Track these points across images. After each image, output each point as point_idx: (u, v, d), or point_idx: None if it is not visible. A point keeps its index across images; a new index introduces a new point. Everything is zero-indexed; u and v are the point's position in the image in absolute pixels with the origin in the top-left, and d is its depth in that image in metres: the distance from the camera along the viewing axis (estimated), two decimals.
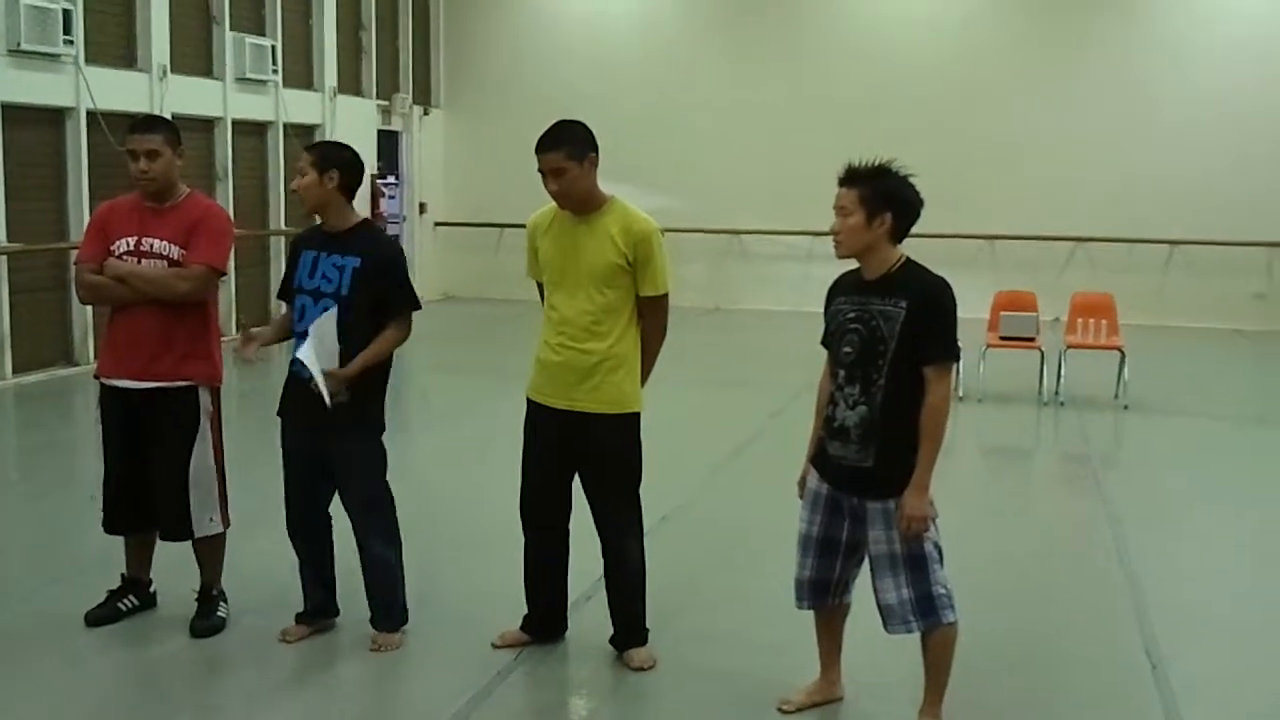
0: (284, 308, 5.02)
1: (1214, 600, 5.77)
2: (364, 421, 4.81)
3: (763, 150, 16.41)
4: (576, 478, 4.81)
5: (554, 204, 4.73)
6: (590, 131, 4.65)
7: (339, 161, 4.80)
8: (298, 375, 4.79)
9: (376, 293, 4.73)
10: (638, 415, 4.74)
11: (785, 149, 16.16)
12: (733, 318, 16.18)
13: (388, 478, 4.93)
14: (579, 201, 4.63)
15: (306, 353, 4.64)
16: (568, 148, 4.56)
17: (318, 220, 4.94)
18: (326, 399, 4.62)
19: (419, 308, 4.90)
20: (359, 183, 4.89)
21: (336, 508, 4.97)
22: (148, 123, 5.10)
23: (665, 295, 4.69)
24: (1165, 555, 6.48)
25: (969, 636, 4.23)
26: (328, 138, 14.70)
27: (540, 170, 4.59)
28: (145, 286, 4.84)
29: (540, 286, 4.87)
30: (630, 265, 4.60)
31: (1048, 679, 4.81)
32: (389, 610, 4.94)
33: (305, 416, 4.79)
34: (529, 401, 4.81)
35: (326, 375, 4.64)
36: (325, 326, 4.67)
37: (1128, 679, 4.83)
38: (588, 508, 4.79)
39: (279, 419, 4.94)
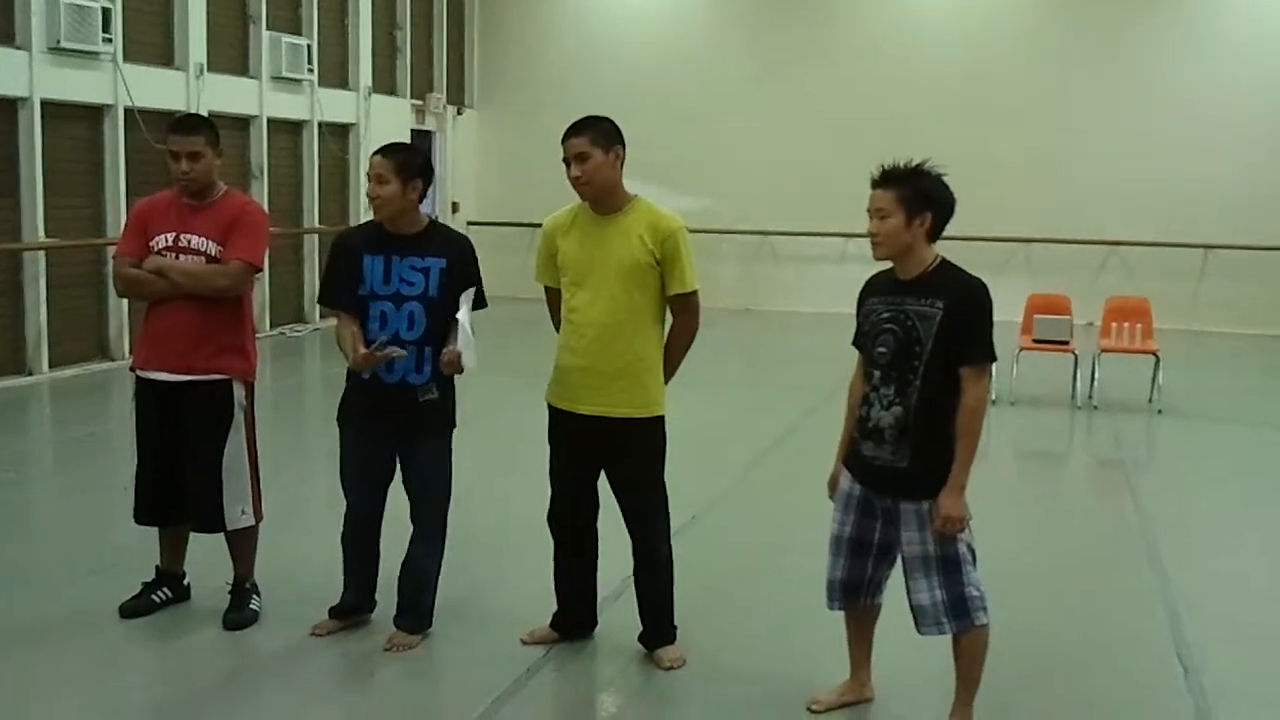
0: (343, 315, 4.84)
1: (1247, 605, 5.74)
2: (448, 418, 4.86)
3: (794, 152, 16.41)
4: (603, 476, 4.80)
5: (571, 205, 4.72)
6: (618, 127, 4.63)
7: (421, 170, 4.77)
8: (380, 378, 4.70)
9: (460, 291, 4.70)
10: (663, 418, 4.72)
11: (816, 150, 16.16)
12: (763, 319, 16.17)
13: None
14: (601, 192, 4.59)
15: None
16: (593, 134, 4.55)
17: (366, 221, 4.93)
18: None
19: (485, 306, 4.83)
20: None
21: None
22: (190, 124, 5.12)
23: (695, 293, 4.66)
24: (1198, 560, 6.44)
25: (1000, 639, 4.22)
26: (369, 137, 14.80)
27: (565, 159, 4.57)
28: (184, 281, 4.88)
29: (549, 292, 4.83)
30: (658, 263, 4.58)
31: (1079, 682, 4.78)
32: (416, 610, 4.94)
33: (386, 418, 4.77)
34: (551, 408, 4.80)
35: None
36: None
37: (1160, 683, 4.80)
38: (616, 507, 4.80)
39: (340, 426, 4.90)
